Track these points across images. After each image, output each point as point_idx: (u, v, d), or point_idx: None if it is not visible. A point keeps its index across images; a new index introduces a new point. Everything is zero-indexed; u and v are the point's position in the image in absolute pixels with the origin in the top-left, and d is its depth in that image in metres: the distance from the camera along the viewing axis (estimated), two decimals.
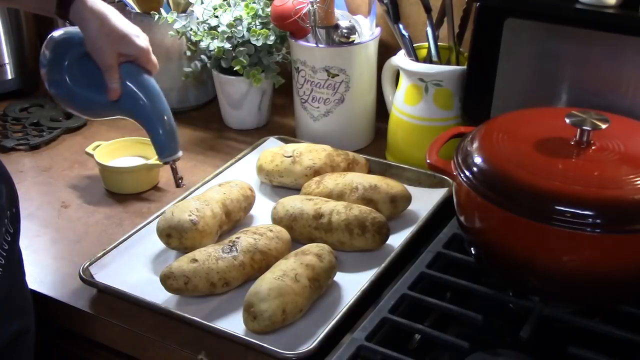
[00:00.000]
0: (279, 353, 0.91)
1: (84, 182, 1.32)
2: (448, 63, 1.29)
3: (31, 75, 1.65)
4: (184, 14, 1.43)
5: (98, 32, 1.01)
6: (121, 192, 1.27)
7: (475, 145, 0.95)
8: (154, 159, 1.27)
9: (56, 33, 1.07)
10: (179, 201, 1.16)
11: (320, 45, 1.31)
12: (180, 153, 1.09)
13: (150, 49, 1.06)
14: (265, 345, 0.91)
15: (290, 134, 1.40)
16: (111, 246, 1.10)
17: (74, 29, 1.05)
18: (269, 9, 1.37)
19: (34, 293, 1.05)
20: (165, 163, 1.09)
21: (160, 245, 1.09)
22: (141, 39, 1.04)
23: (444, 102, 1.25)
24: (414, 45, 1.28)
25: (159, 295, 1.01)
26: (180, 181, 1.11)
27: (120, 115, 1.08)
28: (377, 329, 0.92)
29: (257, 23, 1.39)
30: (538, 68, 1.15)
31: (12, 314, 0.95)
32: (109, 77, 1.03)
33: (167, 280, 0.99)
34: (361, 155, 1.28)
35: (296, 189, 1.22)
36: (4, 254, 0.92)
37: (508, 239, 0.90)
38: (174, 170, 1.10)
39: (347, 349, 0.89)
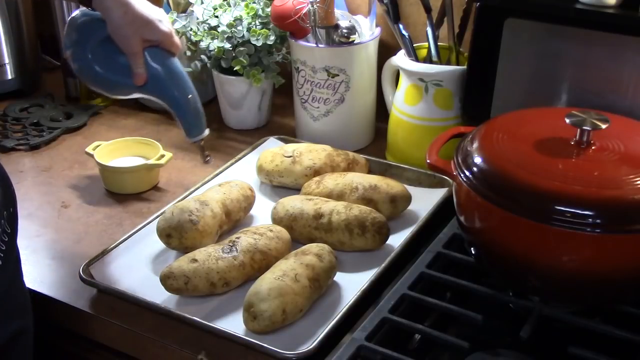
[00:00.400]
0: (279, 353, 0.91)
1: (84, 182, 1.32)
2: (448, 63, 1.29)
3: (31, 75, 1.65)
4: (184, 14, 1.43)
5: (122, 20, 1.01)
6: (121, 192, 1.27)
7: (475, 145, 0.95)
8: (154, 159, 1.27)
9: (77, 14, 1.07)
10: (179, 201, 1.16)
11: (320, 45, 1.31)
12: (207, 131, 1.12)
13: (174, 31, 1.07)
14: (265, 345, 0.91)
15: (290, 134, 1.40)
16: (111, 246, 1.10)
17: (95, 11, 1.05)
18: (269, 9, 1.37)
19: (34, 293, 1.05)
20: (194, 142, 1.12)
21: (160, 245, 1.09)
22: (164, 23, 1.05)
23: (444, 102, 1.25)
24: (414, 45, 1.28)
25: (159, 295, 1.01)
26: (207, 158, 1.14)
27: (147, 96, 1.10)
28: (377, 329, 0.92)
29: (257, 23, 1.39)
30: (538, 68, 1.15)
31: (10, 314, 0.95)
32: (134, 62, 1.04)
33: (167, 280, 0.99)
34: (361, 155, 1.28)
35: (296, 189, 1.22)
36: (2, 255, 0.92)
37: (508, 239, 0.90)
38: (202, 148, 1.13)
39: (347, 349, 0.89)
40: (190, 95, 1.08)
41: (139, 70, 1.04)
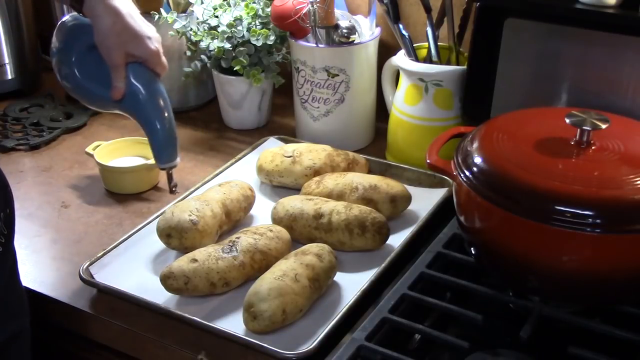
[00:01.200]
0: (279, 353, 0.91)
1: (84, 182, 1.32)
2: (448, 63, 1.29)
3: (31, 75, 1.65)
4: (184, 14, 1.43)
5: (109, 31, 0.99)
6: (121, 192, 1.27)
7: (475, 145, 0.95)
8: (154, 159, 1.27)
9: (67, 19, 1.05)
10: (179, 201, 1.16)
11: (320, 45, 1.31)
12: (178, 160, 1.08)
13: (161, 51, 1.04)
14: (265, 345, 0.91)
15: (290, 134, 1.40)
16: (111, 246, 1.10)
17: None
18: (269, 9, 1.37)
19: (34, 293, 1.05)
20: (162, 169, 1.09)
21: (160, 245, 1.09)
22: (152, 41, 1.03)
23: (444, 102, 1.25)
24: (414, 45, 1.28)
25: (159, 295, 1.01)
26: (174, 188, 1.11)
27: (123, 113, 1.08)
28: (377, 329, 0.92)
29: (257, 23, 1.39)
30: (538, 68, 1.15)
31: (6, 315, 0.95)
32: (114, 75, 1.02)
33: (167, 280, 0.99)
34: (361, 155, 1.28)
35: (296, 189, 1.22)
36: None
37: (508, 239, 0.90)
38: (170, 177, 1.10)
39: (347, 349, 0.89)
40: (166, 120, 1.05)
41: (117, 83, 1.02)
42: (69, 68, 1.04)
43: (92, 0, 0.99)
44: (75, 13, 1.05)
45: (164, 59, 1.05)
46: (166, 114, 1.05)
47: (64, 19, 1.05)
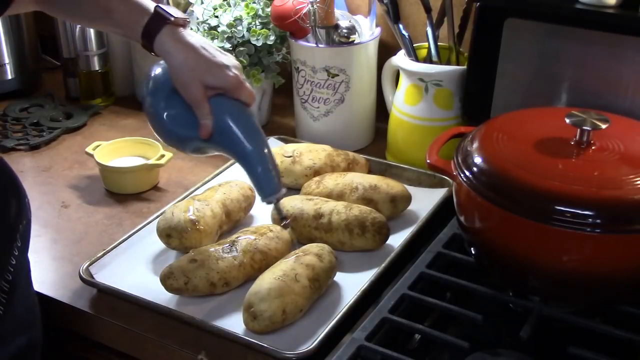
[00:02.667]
0: (279, 353, 0.91)
1: (84, 182, 1.32)
2: (448, 63, 1.29)
3: (31, 75, 1.65)
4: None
5: (182, 66, 0.94)
6: (121, 192, 1.27)
7: (475, 145, 0.95)
8: (154, 159, 1.27)
9: (159, 64, 1.00)
10: (179, 201, 1.16)
11: (320, 45, 1.31)
12: (283, 191, 0.99)
13: (243, 77, 0.97)
14: (265, 345, 0.91)
15: (290, 134, 1.40)
16: (111, 246, 1.10)
17: None
18: (269, 9, 1.37)
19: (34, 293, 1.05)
20: (268, 203, 0.99)
21: (160, 245, 1.09)
22: (231, 69, 0.96)
23: (444, 102, 1.25)
24: (414, 45, 1.28)
25: (159, 295, 1.01)
26: (285, 221, 1.00)
27: (218, 152, 1.01)
28: (377, 329, 0.92)
29: (257, 23, 1.39)
30: (538, 68, 1.15)
31: (19, 328, 0.93)
32: (198, 112, 0.95)
33: (167, 280, 0.99)
34: (361, 155, 1.28)
35: (296, 189, 1.22)
36: (12, 270, 0.90)
37: (508, 239, 0.90)
38: (279, 210, 0.99)
39: (347, 349, 0.89)
40: (263, 150, 0.98)
41: (204, 120, 0.95)
42: (157, 112, 0.99)
43: (161, 39, 0.95)
44: (162, 63, 1.00)
45: (248, 86, 0.97)
46: (261, 144, 0.98)
47: (154, 64, 1.01)
